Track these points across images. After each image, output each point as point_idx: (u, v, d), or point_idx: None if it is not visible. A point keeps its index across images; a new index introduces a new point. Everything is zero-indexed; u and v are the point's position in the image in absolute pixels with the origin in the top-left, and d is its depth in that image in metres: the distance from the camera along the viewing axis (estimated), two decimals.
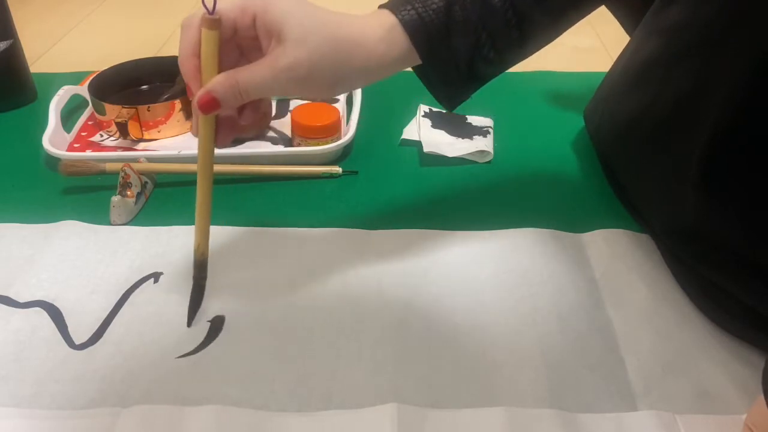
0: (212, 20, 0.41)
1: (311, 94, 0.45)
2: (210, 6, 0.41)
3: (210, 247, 0.58)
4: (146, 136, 0.76)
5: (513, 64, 0.51)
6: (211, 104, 0.42)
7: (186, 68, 0.44)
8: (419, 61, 0.47)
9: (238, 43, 0.45)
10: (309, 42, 0.42)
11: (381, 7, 0.48)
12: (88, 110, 0.81)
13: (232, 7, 0.42)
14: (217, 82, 0.42)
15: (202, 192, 0.48)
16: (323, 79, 0.43)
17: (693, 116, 0.50)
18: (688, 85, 0.51)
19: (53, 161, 0.71)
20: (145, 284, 0.56)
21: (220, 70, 0.43)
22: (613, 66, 0.71)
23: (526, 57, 0.51)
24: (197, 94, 0.43)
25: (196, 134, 0.46)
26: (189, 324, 0.52)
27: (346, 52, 0.44)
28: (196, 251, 0.51)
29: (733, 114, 0.46)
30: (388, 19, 0.45)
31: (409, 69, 0.50)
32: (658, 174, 0.57)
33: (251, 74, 0.42)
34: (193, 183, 0.69)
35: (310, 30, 0.42)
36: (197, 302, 0.52)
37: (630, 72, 0.63)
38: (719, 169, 0.48)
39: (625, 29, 0.74)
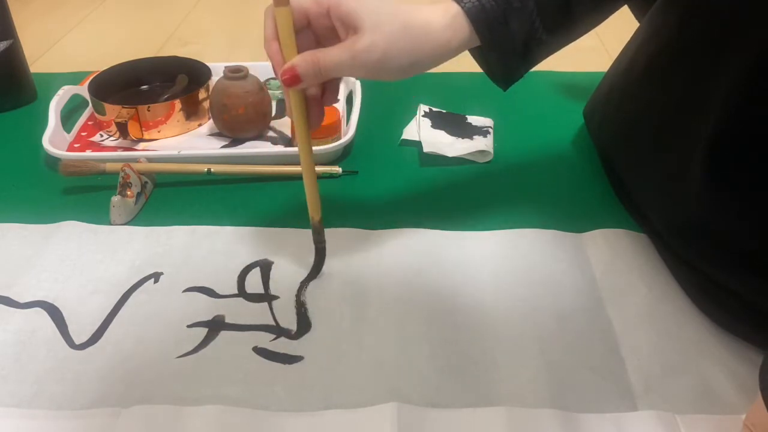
0: None
1: (384, 76, 0.49)
2: None
3: (200, 248, 0.59)
4: (146, 136, 0.76)
5: (564, 45, 0.55)
6: (294, 78, 0.47)
7: (268, 51, 0.48)
8: (479, 44, 0.52)
9: (315, 33, 0.49)
10: (383, 29, 0.46)
11: None
12: (88, 110, 0.81)
13: None
14: (300, 59, 0.47)
15: (306, 163, 0.52)
16: (396, 61, 0.48)
17: (696, 114, 0.50)
18: (691, 82, 0.52)
19: (53, 161, 0.71)
20: (145, 284, 0.56)
21: (299, 51, 0.47)
22: (614, 64, 0.71)
23: (576, 39, 0.55)
24: (282, 69, 0.47)
25: (290, 115, 0.50)
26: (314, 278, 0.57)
27: (416, 38, 0.48)
28: (311, 219, 0.55)
29: (736, 111, 0.46)
30: (453, 7, 0.50)
31: None
32: (660, 172, 0.57)
33: (331, 54, 0.47)
34: (193, 183, 0.70)
35: (384, 19, 0.47)
36: (320, 265, 0.57)
37: (633, 70, 0.63)
38: (721, 167, 0.48)
39: (637, 18, 0.74)
